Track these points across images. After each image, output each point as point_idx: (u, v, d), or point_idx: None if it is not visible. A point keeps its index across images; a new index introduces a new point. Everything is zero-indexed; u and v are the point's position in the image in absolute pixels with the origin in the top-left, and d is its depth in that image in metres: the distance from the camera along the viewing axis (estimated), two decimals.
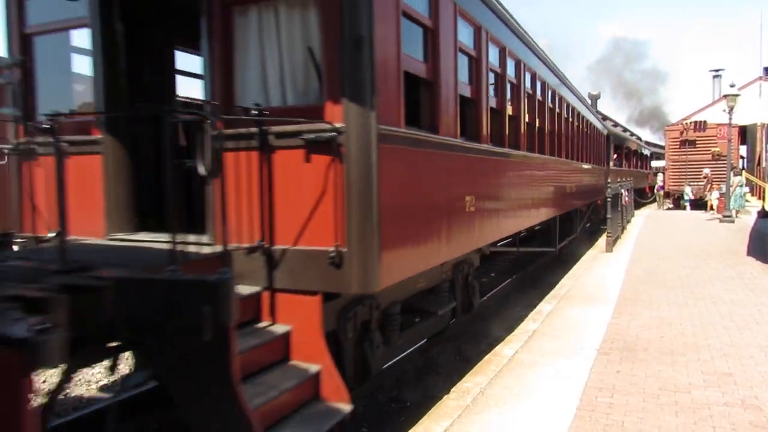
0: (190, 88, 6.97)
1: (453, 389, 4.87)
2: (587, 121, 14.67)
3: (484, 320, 7.82)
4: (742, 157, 32.37)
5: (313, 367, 3.60)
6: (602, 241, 13.18)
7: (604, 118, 22.39)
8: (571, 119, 11.85)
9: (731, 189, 18.88)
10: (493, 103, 6.27)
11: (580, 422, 3.90)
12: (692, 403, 4.20)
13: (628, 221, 17.98)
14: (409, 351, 5.94)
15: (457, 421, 4.00)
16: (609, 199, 12.55)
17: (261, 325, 3.73)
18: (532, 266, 11.92)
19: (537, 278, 11.14)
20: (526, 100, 7.68)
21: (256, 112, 3.54)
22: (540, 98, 8.67)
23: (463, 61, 5.28)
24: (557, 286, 8.92)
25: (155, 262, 3.25)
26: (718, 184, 21.45)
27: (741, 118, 24.53)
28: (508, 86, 6.91)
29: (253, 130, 3.62)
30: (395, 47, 3.83)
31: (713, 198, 22.18)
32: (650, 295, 7.77)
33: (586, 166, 14.03)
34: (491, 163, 6.14)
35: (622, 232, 15.39)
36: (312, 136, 3.50)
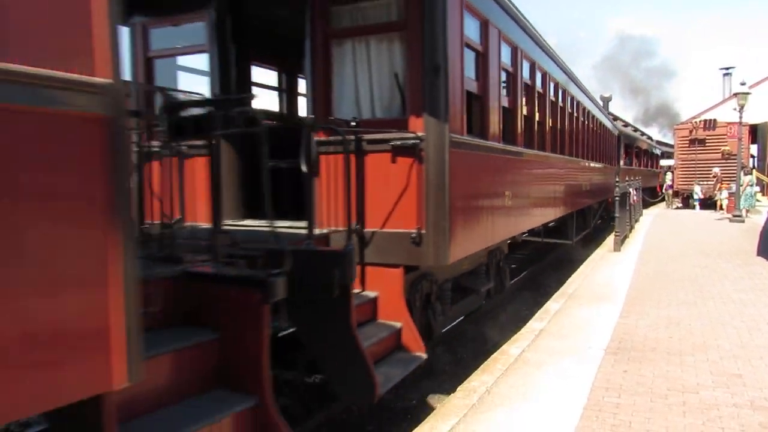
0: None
1: (459, 388, 4.90)
2: (600, 122, 15.79)
3: (494, 319, 8.25)
4: (752, 156, 32.72)
5: (397, 324, 4.70)
6: (610, 240, 13.51)
7: (615, 118, 23.47)
8: (587, 122, 12.97)
9: (741, 188, 19.24)
10: (525, 110, 7.37)
11: (587, 422, 3.97)
12: (701, 403, 4.25)
13: (637, 220, 18.33)
14: (454, 323, 7.04)
15: (464, 420, 4.07)
16: (617, 198, 12.89)
17: (354, 291, 4.83)
18: (538, 264, 12.33)
19: (546, 276, 11.38)
20: (550, 107, 8.78)
21: (355, 124, 4.64)
22: (561, 104, 9.77)
23: (503, 77, 6.38)
24: (564, 285, 9.12)
25: (294, 238, 4.33)
26: (728, 183, 21.90)
27: (752, 117, 24.82)
28: (537, 95, 8.02)
29: (350, 137, 4.72)
30: (460, 71, 4.93)
31: (723, 197, 22.49)
32: (658, 295, 7.90)
33: (599, 166, 15.16)
34: (523, 162, 7.25)
35: (630, 231, 15.64)
36: (399, 142, 4.59)
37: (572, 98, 10.95)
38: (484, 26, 5.58)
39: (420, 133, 4.54)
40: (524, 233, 7.92)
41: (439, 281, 5.70)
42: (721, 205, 22.60)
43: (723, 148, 24.78)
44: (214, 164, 4.14)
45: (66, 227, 1.76)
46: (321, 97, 4.91)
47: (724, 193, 22.48)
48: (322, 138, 4.82)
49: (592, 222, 15.65)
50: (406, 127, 4.62)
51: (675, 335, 6.00)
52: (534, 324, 6.73)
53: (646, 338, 5.92)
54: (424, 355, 4.70)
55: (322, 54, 4.88)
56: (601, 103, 18.35)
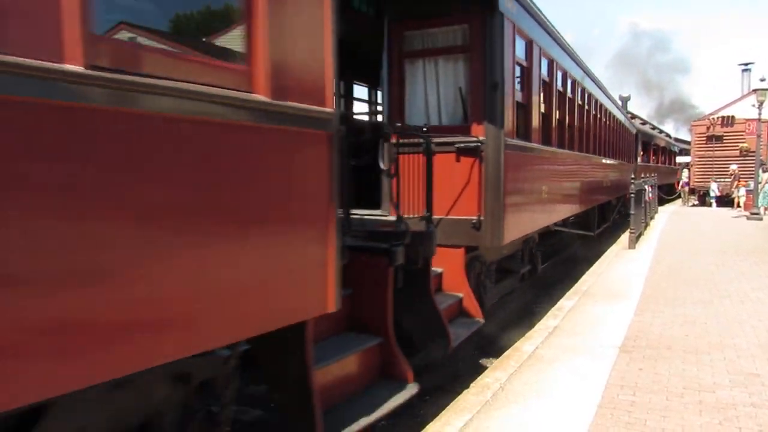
0: None
1: (472, 384, 4.98)
2: (620, 122, 16.87)
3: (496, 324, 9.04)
4: None
5: (459, 294, 5.84)
6: (625, 237, 13.66)
7: (633, 117, 24.49)
8: (608, 122, 14.07)
9: (759, 186, 19.47)
10: (558, 114, 8.49)
11: (602, 419, 4.01)
12: (717, 402, 4.28)
13: (652, 218, 18.55)
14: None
15: (477, 416, 4.14)
16: (633, 195, 13.07)
17: None
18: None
19: (558, 273, 11.31)
20: (578, 110, 9.90)
21: (425, 129, 5.78)
22: (587, 107, 10.89)
23: (542, 86, 7.51)
24: (578, 282, 9.24)
25: (382, 222, 5.47)
26: (746, 181, 22.14)
27: None
28: (567, 100, 9.13)
29: (420, 140, 5.86)
30: (512, 85, 6.05)
31: (740, 195, 22.59)
32: (674, 293, 7.96)
33: (618, 163, 16.25)
34: (556, 161, 8.37)
35: (645, 229, 15.69)
36: (462, 145, 5.73)
37: (596, 101, 12.05)
38: (529, 45, 6.70)
39: (481, 138, 5.68)
40: (556, 223, 9.06)
41: (487, 262, 6.84)
42: (738, 203, 22.80)
43: (741, 145, 24.99)
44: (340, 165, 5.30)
45: (311, 202, 2.93)
46: (396, 106, 6.05)
47: (742, 191, 22.71)
48: (405, 141, 5.96)
49: (611, 216, 16.75)
50: (468, 132, 5.76)
51: (691, 333, 6.07)
52: (548, 321, 6.87)
53: (661, 336, 5.98)
54: (482, 320, 5.85)
55: (397, 71, 6.02)
56: (620, 103, 19.41)
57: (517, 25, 6.13)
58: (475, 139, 5.70)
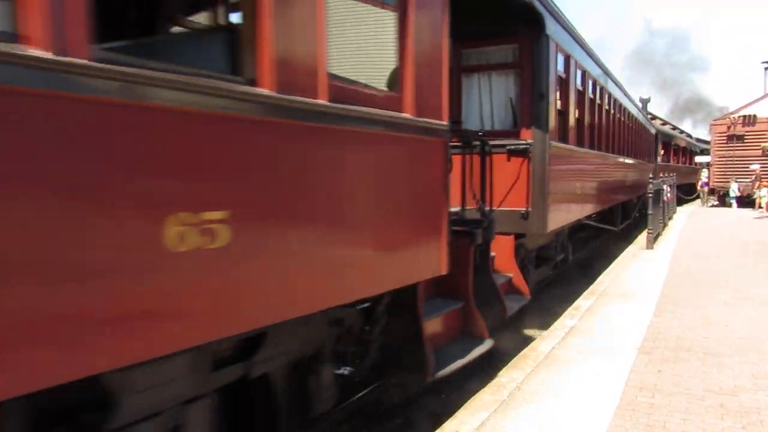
0: None
1: (488, 383, 5.04)
2: (640, 123, 17.96)
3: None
4: None
5: (509, 275, 6.99)
6: (642, 237, 13.80)
7: (653, 117, 25.53)
8: (630, 124, 15.17)
9: None
10: (588, 118, 9.63)
11: (620, 421, 4.01)
12: (740, 406, 4.24)
13: (670, 218, 18.81)
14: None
15: (494, 415, 4.18)
16: (651, 195, 13.26)
17: None
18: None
19: (574, 273, 11.25)
20: (605, 114, 11.03)
21: (481, 133, 6.95)
22: (612, 111, 12.01)
23: (576, 94, 8.65)
24: (595, 282, 9.39)
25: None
26: None
27: None
28: (596, 106, 10.27)
29: (477, 143, 7.02)
30: (554, 95, 7.20)
31: (762, 195, 22.86)
32: (693, 294, 7.98)
33: (639, 163, 17.32)
34: (588, 160, 9.51)
35: (664, 229, 15.86)
36: (513, 147, 6.88)
37: (619, 105, 13.16)
38: (567, 60, 7.85)
39: (529, 140, 6.83)
40: (587, 216, 10.20)
41: (529, 249, 7.98)
42: (759, 203, 22.96)
43: (763, 144, 25.17)
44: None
45: (434, 190, 4.10)
46: (455, 113, 7.22)
47: (764, 191, 22.97)
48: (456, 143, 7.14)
49: (632, 214, 17.82)
50: (518, 136, 6.91)
51: (711, 336, 6.08)
52: (564, 321, 6.99)
53: (680, 338, 6.01)
54: (529, 297, 7.00)
55: (455, 83, 7.19)
56: (640, 105, 20.49)
57: (559, 44, 7.28)
58: (524, 141, 6.85)
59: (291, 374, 3.44)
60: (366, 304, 4.09)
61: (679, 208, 23.82)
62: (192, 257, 2.23)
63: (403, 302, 4.36)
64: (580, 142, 8.98)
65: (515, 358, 5.76)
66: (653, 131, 22.41)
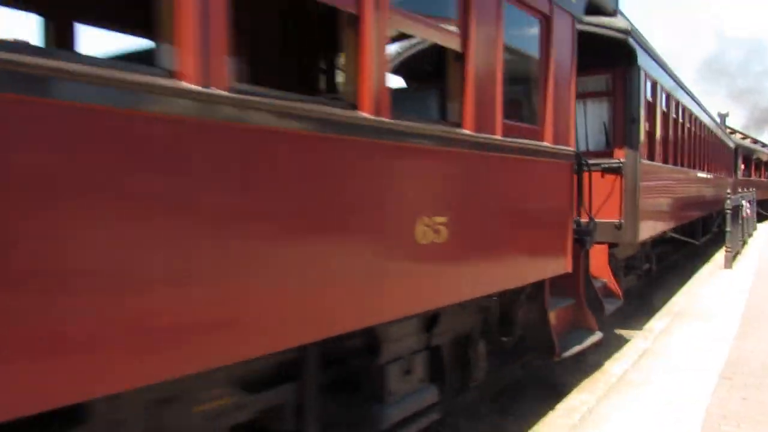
0: None
1: (558, 406, 4.99)
2: (719, 137, 18.34)
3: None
4: None
5: (604, 279, 7.92)
6: (719, 256, 13.57)
7: (732, 132, 25.50)
8: (709, 139, 15.68)
9: None
10: (671, 136, 10.44)
11: None
12: None
13: (750, 235, 18.38)
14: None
15: None
16: (729, 212, 12.85)
17: None
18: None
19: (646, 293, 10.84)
20: (687, 132, 11.77)
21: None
22: (692, 128, 12.69)
23: (661, 115, 9.52)
24: (670, 302, 9.42)
25: None
26: None
27: None
28: (679, 125, 11.06)
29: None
30: (643, 118, 8.14)
31: None
32: None
33: (718, 178, 17.68)
34: (672, 176, 10.30)
35: (743, 247, 15.41)
36: (607, 165, 7.84)
37: (700, 122, 13.79)
38: (654, 85, 8.77)
39: (622, 159, 7.79)
40: (671, 229, 10.94)
41: (619, 259, 8.86)
42: None
43: None
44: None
45: (564, 203, 5.19)
46: None
47: None
48: None
49: (711, 228, 18.11)
50: (611, 156, 7.89)
51: None
52: (637, 342, 6.94)
53: (765, 364, 5.82)
54: (622, 300, 7.89)
55: None
56: (718, 120, 20.76)
57: (647, 72, 8.22)
58: (617, 161, 7.81)
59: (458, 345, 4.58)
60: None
61: (759, 225, 23.48)
62: (428, 248, 3.43)
63: (531, 296, 5.44)
64: (665, 159, 9.80)
65: (586, 381, 5.77)
66: (732, 145, 22.53)
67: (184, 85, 2.15)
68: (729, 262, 12.63)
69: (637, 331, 8.01)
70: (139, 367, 2.06)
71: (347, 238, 2.93)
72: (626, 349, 6.74)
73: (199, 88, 2.19)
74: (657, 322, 8.12)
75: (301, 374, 3.20)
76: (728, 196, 13.37)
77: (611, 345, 7.13)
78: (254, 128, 2.43)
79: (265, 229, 2.49)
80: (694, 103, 13.04)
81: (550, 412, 4.96)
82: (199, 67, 2.19)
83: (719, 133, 18.66)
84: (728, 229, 12.76)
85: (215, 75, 2.25)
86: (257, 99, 2.43)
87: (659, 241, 11.02)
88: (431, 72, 4.96)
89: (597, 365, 6.29)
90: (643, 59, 7.94)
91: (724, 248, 12.94)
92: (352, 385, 3.58)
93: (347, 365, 3.51)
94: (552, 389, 5.86)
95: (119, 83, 1.95)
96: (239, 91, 2.36)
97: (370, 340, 3.45)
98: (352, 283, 2.95)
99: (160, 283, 2.11)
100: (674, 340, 6.85)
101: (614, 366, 6.08)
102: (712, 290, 10.10)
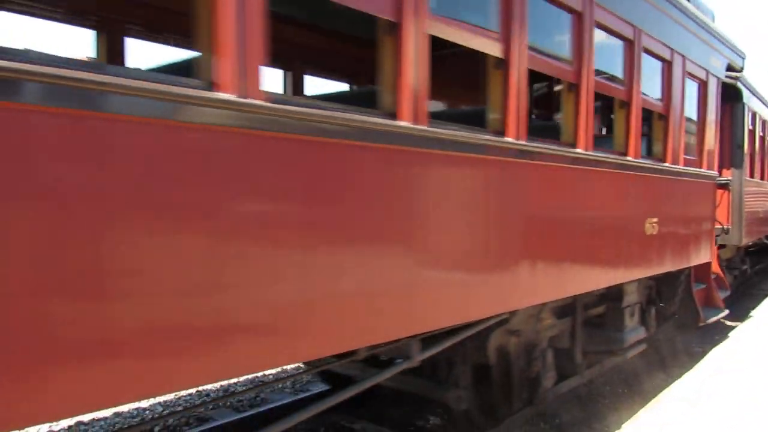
0: None
1: (625, 424, 5.17)
2: None
3: None
4: None
5: (715, 274, 10.10)
6: None
7: None
8: None
9: None
10: (766, 157, 12.56)
11: None
12: None
13: None
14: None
15: None
16: None
17: None
18: None
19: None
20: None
21: None
22: None
23: (759, 140, 11.66)
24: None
25: None
26: None
27: None
28: (757, 138, 13.15)
29: None
30: (746, 144, 10.33)
31: None
32: None
33: None
34: (757, 188, 12.41)
35: None
36: (716, 182, 10.06)
37: None
38: (754, 116, 10.94)
39: (729, 177, 10.00)
40: (765, 236, 13.01)
41: (722, 259, 11.01)
42: None
43: None
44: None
45: (708, 209, 7.50)
46: None
47: None
48: None
49: None
50: (720, 174, 10.10)
51: None
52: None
53: None
54: (729, 290, 10.07)
55: None
56: None
57: (749, 106, 10.43)
58: (725, 179, 10.03)
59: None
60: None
61: None
62: (649, 237, 5.79)
63: (682, 278, 7.72)
64: (762, 176, 11.96)
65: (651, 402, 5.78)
66: None
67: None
68: None
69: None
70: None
71: (618, 232, 5.37)
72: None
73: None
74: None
75: (574, 312, 5.63)
76: None
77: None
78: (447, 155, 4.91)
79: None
80: None
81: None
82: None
83: None
84: None
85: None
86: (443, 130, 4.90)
87: (752, 248, 13.08)
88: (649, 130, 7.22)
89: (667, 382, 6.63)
90: (746, 95, 10.15)
91: None
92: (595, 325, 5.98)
93: (602, 308, 5.91)
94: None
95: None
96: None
97: (616, 293, 5.83)
98: (618, 258, 5.39)
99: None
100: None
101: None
102: None
